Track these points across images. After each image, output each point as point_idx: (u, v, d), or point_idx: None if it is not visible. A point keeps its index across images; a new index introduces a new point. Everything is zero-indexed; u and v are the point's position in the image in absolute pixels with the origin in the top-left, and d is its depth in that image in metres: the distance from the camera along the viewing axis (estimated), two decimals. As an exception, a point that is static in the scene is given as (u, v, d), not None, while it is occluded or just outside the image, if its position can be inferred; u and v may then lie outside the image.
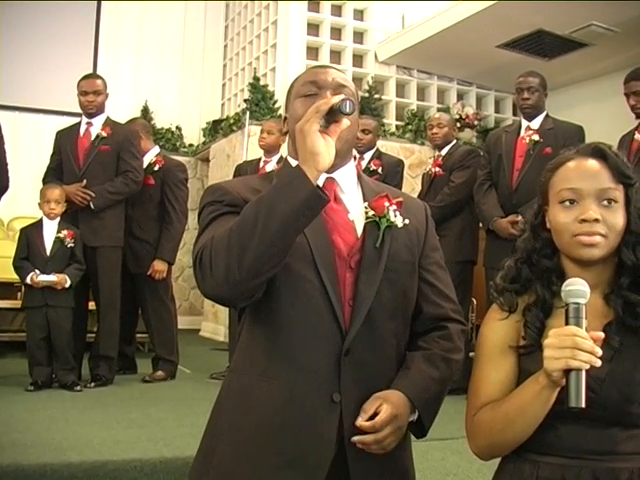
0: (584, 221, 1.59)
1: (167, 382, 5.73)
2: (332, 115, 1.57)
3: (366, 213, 1.80)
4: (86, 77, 5.73)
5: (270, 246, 1.51)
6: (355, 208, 1.82)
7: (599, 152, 1.67)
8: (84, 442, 3.54)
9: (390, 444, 1.66)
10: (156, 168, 5.94)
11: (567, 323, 1.46)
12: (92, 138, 5.55)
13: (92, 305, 5.75)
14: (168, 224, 5.85)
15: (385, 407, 1.64)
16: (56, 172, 5.61)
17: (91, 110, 5.56)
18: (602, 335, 1.44)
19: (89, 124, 5.61)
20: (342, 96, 1.61)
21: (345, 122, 1.59)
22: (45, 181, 5.59)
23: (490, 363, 1.68)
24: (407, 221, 1.81)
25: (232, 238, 1.53)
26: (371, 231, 1.78)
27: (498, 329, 1.70)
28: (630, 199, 1.64)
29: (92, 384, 5.32)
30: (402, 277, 1.80)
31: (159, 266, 5.78)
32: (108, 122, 5.65)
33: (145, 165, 5.89)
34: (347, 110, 1.57)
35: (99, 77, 5.79)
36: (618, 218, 1.62)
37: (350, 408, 1.67)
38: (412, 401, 1.70)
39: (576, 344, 1.39)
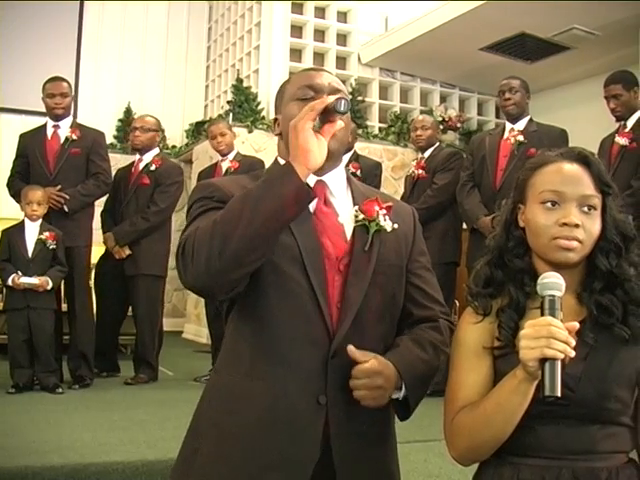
0: (565, 225, 1.60)
1: (149, 384, 5.70)
2: (326, 115, 1.58)
3: (356, 217, 1.80)
4: (52, 80, 5.68)
5: (253, 237, 1.51)
6: (345, 212, 1.83)
7: (583, 158, 1.69)
8: (66, 445, 3.53)
9: (363, 397, 1.66)
10: (152, 168, 5.93)
11: (543, 315, 1.47)
12: (61, 141, 5.56)
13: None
14: (144, 214, 5.82)
15: (372, 361, 1.65)
16: (22, 176, 5.59)
17: (58, 112, 5.56)
18: (577, 325, 1.46)
19: (56, 127, 5.61)
20: (337, 95, 1.63)
21: (339, 123, 1.61)
22: (11, 185, 5.59)
23: (466, 366, 1.68)
24: (396, 225, 1.82)
25: (216, 229, 1.53)
26: (360, 235, 1.78)
27: (473, 332, 1.70)
28: (607, 207, 1.67)
29: (77, 386, 5.31)
30: (390, 281, 1.81)
31: (110, 242, 5.77)
32: (75, 125, 5.68)
33: (143, 164, 5.94)
34: (342, 109, 1.58)
35: (64, 80, 5.75)
36: (596, 225, 1.64)
37: (336, 410, 1.67)
38: (400, 374, 1.70)
39: (551, 333, 1.41)
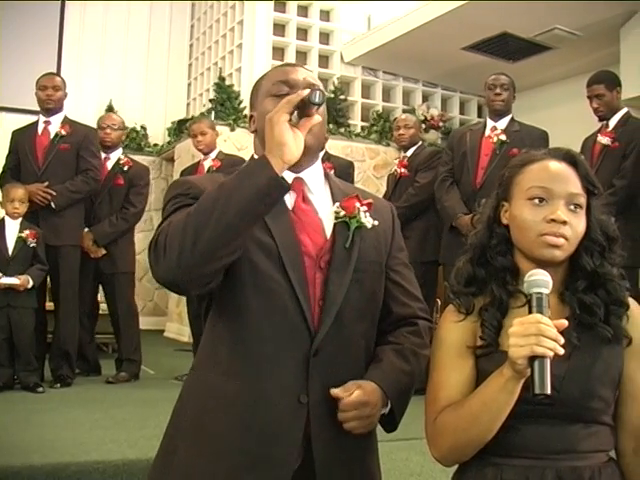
0: (553, 221, 1.60)
1: (131, 383, 5.68)
2: (303, 109, 1.57)
3: (337, 213, 1.79)
4: (45, 74, 5.71)
5: (226, 230, 1.50)
6: (323, 208, 1.82)
7: (571, 158, 1.70)
8: (47, 444, 3.50)
9: (354, 428, 1.66)
10: (125, 169, 5.93)
11: (530, 313, 1.47)
12: (51, 137, 5.52)
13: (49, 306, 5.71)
14: (123, 214, 5.82)
15: (357, 392, 1.64)
16: (14, 173, 5.55)
17: (49, 105, 5.52)
18: (565, 323, 1.46)
19: (47, 122, 5.57)
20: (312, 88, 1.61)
21: (317, 118, 1.59)
22: (3, 182, 5.54)
23: (448, 366, 1.68)
24: (376, 222, 1.81)
25: (188, 222, 1.52)
26: (341, 231, 1.77)
27: (455, 331, 1.70)
28: (591, 208, 1.67)
29: (58, 385, 5.28)
30: (370, 278, 1.80)
31: (87, 241, 5.70)
32: (66, 121, 5.62)
33: (112, 164, 5.90)
34: (317, 100, 1.57)
35: (58, 75, 5.79)
36: (581, 224, 1.64)
37: (317, 410, 1.66)
38: (385, 392, 1.70)
39: (541, 331, 1.41)
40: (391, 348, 1.81)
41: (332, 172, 5.71)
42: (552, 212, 1.61)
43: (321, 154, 6.04)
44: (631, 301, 1.68)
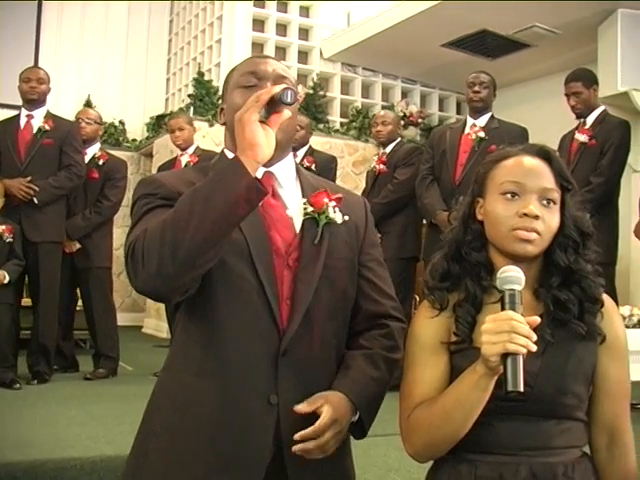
0: (525, 215, 1.60)
1: (108, 379, 5.66)
2: (273, 105, 1.53)
3: (305, 209, 1.76)
4: (29, 67, 5.70)
5: (205, 239, 1.46)
6: (293, 204, 1.78)
7: (545, 153, 1.70)
8: (23, 441, 3.48)
9: (331, 447, 1.63)
10: (100, 163, 5.90)
11: (503, 309, 1.47)
12: (34, 131, 5.46)
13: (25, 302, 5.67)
14: (97, 208, 5.79)
15: (326, 409, 1.61)
16: None
17: (33, 96, 5.46)
18: (538, 320, 1.46)
19: (29, 116, 5.51)
20: (283, 85, 1.57)
21: (286, 113, 1.55)
22: None
23: (423, 362, 1.67)
24: (347, 217, 1.78)
25: (166, 230, 1.47)
26: (310, 228, 1.74)
27: (429, 327, 1.69)
28: (565, 204, 1.68)
29: (35, 381, 5.24)
30: (341, 275, 1.77)
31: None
32: (49, 115, 5.56)
33: (88, 159, 5.86)
34: (288, 100, 1.53)
35: (42, 69, 5.72)
36: (555, 219, 1.65)
37: (288, 410, 1.63)
38: (353, 403, 1.68)
39: (513, 328, 1.40)
40: (361, 354, 1.78)
41: (313, 167, 5.73)
42: (524, 206, 1.61)
43: (304, 150, 6.09)
44: (605, 298, 1.69)
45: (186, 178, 1.74)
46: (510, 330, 1.40)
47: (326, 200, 1.76)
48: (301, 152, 5.97)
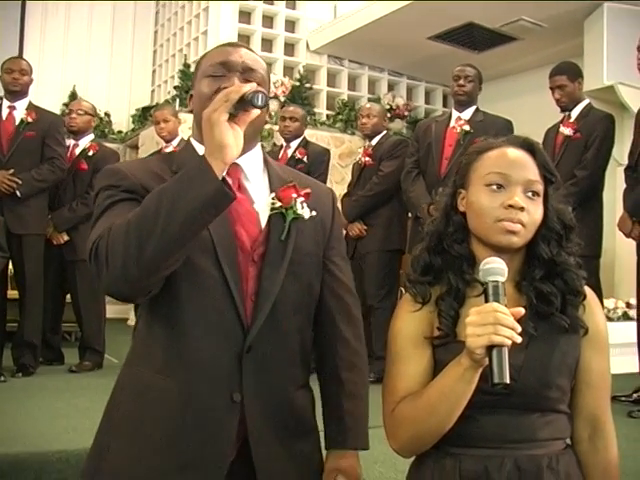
0: (510, 207, 1.60)
1: (94, 372, 5.63)
2: (242, 104, 1.48)
3: (272, 204, 1.72)
4: (11, 58, 5.64)
5: (170, 243, 1.43)
6: (260, 197, 1.74)
7: (529, 145, 1.70)
8: (8, 434, 3.47)
9: None
10: (90, 153, 5.84)
11: (487, 301, 1.46)
12: (16, 123, 5.41)
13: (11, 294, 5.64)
14: (84, 199, 5.71)
15: None
16: None
17: (15, 88, 5.42)
18: (522, 311, 1.46)
19: (12, 108, 5.46)
20: (254, 85, 1.52)
21: (255, 111, 1.50)
22: None
23: (406, 357, 1.66)
24: (314, 213, 1.75)
25: (130, 232, 1.44)
26: (276, 223, 1.71)
27: (412, 321, 1.68)
28: (548, 196, 1.68)
29: (19, 374, 5.21)
30: (307, 270, 1.75)
31: (48, 228, 5.63)
32: (32, 107, 5.52)
33: (80, 150, 5.83)
34: (259, 103, 1.48)
35: (25, 60, 5.68)
36: (539, 212, 1.65)
37: (252, 408, 1.63)
38: (356, 446, 1.74)
39: (498, 320, 1.40)
40: (342, 394, 1.78)
41: (305, 158, 5.73)
42: (509, 198, 1.60)
43: (297, 141, 6.07)
44: (587, 290, 1.69)
45: (150, 169, 1.71)
46: (495, 322, 1.40)
47: (294, 195, 1.73)
48: (294, 143, 5.97)
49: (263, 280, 1.67)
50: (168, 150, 5.90)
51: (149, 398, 1.65)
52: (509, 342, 1.40)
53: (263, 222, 1.72)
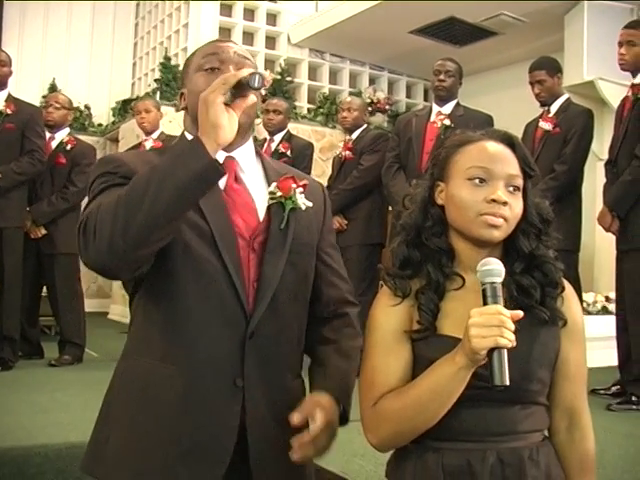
0: (493, 201, 1.60)
1: (74, 366, 5.61)
2: (239, 89, 1.51)
3: (272, 194, 1.76)
4: None
5: (159, 216, 1.45)
6: (256, 188, 1.79)
7: (509, 139, 1.70)
8: (-13, 428, 3.46)
9: (327, 448, 1.69)
10: (68, 148, 5.82)
11: (485, 303, 1.47)
12: (-5, 115, 5.38)
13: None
14: (63, 194, 5.71)
15: (319, 415, 1.64)
16: None
17: None
18: (521, 313, 1.47)
19: (-10, 99, 5.43)
20: (251, 70, 1.56)
21: (252, 98, 1.54)
22: None
23: (386, 351, 1.65)
24: (310, 204, 1.80)
25: (119, 206, 1.46)
26: (276, 212, 1.75)
27: (391, 315, 1.67)
28: (527, 190, 1.69)
29: (-1, 368, 5.20)
30: (304, 260, 1.79)
31: (26, 222, 5.59)
32: (10, 99, 5.47)
33: (56, 143, 5.79)
34: (256, 85, 1.51)
35: (4, 51, 5.62)
36: (519, 206, 1.65)
37: (253, 393, 1.65)
38: (337, 399, 1.71)
39: (502, 322, 1.41)
40: (332, 349, 1.82)
41: (289, 152, 5.73)
42: (492, 192, 1.61)
43: (281, 135, 6.06)
44: (565, 283, 1.71)
45: (147, 159, 1.72)
46: (500, 324, 1.41)
47: (293, 186, 1.77)
48: (278, 137, 5.97)
49: (265, 266, 1.70)
50: (148, 143, 5.88)
51: (151, 386, 1.67)
52: (510, 345, 1.42)
53: (260, 212, 1.76)
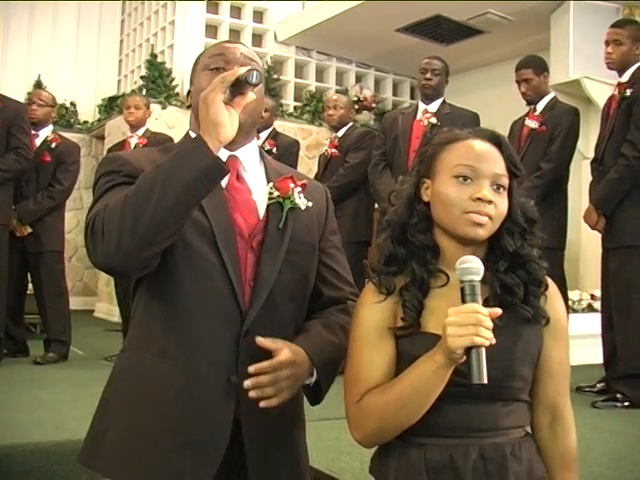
0: (479, 200, 1.60)
1: (59, 364, 5.59)
2: (238, 87, 1.54)
3: (270, 193, 1.78)
4: None
5: (165, 215, 1.48)
6: (257, 188, 1.81)
7: (496, 138, 1.70)
8: (-28, 426, 3.44)
9: (284, 390, 1.64)
10: (53, 145, 5.80)
11: (464, 301, 1.47)
12: (-20, 112, 5.34)
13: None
14: (49, 192, 5.69)
15: (285, 351, 1.64)
16: None
17: None
18: (499, 311, 1.47)
19: (-25, 96, 5.39)
20: (248, 67, 1.58)
21: (251, 95, 1.57)
22: None
23: (370, 347, 1.65)
24: (310, 204, 1.81)
25: (127, 205, 1.49)
26: (274, 212, 1.77)
27: (376, 311, 1.67)
28: (512, 190, 1.69)
29: (-17, 366, 5.17)
30: (303, 259, 1.80)
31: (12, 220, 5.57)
32: None
33: (40, 141, 5.76)
34: (254, 80, 1.54)
35: None
36: (504, 205, 1.65)
37: (247, 390, 1.64)
38: (312, 360, 1.70)
39: (479, 321, 1.41)
40: (319, 321, 1.83)
41: (275, 150, 5.72)
42: (478, 191, 1.61)
43: (267, 132, 6.06)
44: (548, 281, 1.71)
45: (151, 158, 1.74)
46: (476, 323, 1.41)
47: (292, 185, 1.79)
48: (264, 134, 5.96)
49: (262, 265, 1.72)
50: (133, 140, 5.87)
51: (148, 381, 1.69)
52: (487, 343, 1.42)
53: (261, 212, 1.78)
